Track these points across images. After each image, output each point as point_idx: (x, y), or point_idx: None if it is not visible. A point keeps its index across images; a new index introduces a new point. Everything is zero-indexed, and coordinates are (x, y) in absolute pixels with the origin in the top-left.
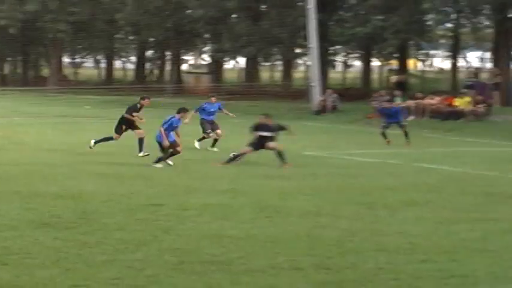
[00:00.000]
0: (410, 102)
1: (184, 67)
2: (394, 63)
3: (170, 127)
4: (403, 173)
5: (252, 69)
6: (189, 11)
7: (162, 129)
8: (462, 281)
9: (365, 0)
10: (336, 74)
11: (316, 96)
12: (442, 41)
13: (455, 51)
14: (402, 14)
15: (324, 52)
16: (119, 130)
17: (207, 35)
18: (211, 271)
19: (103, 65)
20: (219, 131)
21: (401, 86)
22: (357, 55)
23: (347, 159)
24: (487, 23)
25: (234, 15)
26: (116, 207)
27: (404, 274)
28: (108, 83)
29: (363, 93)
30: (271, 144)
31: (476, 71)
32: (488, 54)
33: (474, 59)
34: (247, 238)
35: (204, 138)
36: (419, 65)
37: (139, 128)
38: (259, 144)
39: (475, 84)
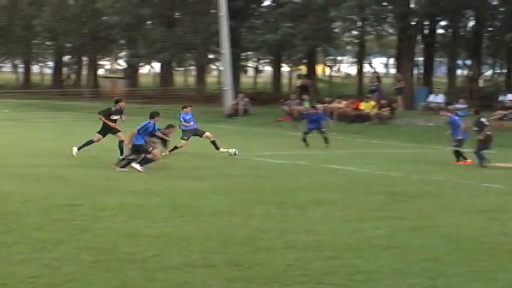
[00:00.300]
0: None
1: (100, 72)
2: (303, 69)
3: (145, 132)
4: (312, 174)
5: (166, 74)
6: (105, 18)
7: (135, 131)
8: (368, 276)
9: (275, 8)
10: (247, 78)
11: (229, 100)
12: (349, 47)
13: (361, 57)
14: (310, 22)
15: (236, 58)
16: (110, 131)
17: (122, 41)
18: (127, 269)
19: (21, 69)
20: (207, 133)
21: (305, 89)
22: (268, 61)
23: (258, 160)
24: (390, 30)
25: (148, 22)
26: (34, 207)
27: (313, 270)
28: (26, 87)
29: (273, 97)
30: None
31: (378, 76)
32: (392, 60)
33: (379, 64)
34: (162, 237)
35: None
36: (327, 70)
37: (119, 131)
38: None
39: (377, 89)
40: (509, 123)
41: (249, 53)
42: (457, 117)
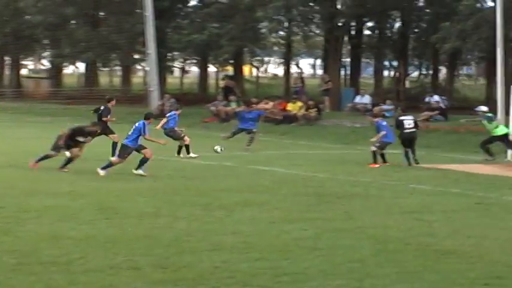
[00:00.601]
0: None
1: (23, 72)
2: (230, 69)
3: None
4: (239, 175)
5: (91, 74)
6: (28, 17)
7: (148, 137)
8: (294, 278)
9: (201, 8)
10: (173, 79)
11: (155, 100)
12: (276, 48)
13: (288, 58)
14: (237, 22)
15: (162, 58)
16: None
17: (46, 41)
18: (50, 272)
19: None
20: (187, 138)
21: (230, 90)
22: (194, 61)
23: (184, 161)
24: (317, 31)
25: (72, 22)
26: None
27: (240, 272)
28: None
29: (199, 98)
30: (74, 149)
31: (302, 77)
32: (319, 61)
33: (306, 65)
34: (86, 239)
35: (187, 146)
36: (254, 71)
37: (113, 132)
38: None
39: (299, 90)
40: (435, 124)
41: (175, 53)
42: (384, 123)
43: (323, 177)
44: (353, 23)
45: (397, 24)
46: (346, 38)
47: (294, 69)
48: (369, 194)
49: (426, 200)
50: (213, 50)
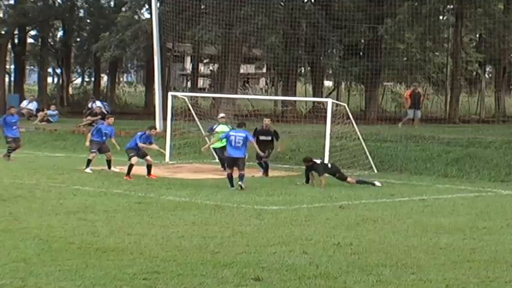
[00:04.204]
0: None
1: None
2: None
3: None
4: None
5: None
6: None
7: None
8: None
9: None
10: None
11: None
12: None
13: None
14: None
15: None
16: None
17: None
18: None
19: None
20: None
21: None
22: None
23: None
24: None
25: None
26: None
27: None
28: None
29: None
30: None
31: None
32: None
33: None
34: None
35: None
36: None
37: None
38: None
39: None
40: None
41: None
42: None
43: None
44: (16, 32)
45: (60, 34)
46: (10, 46)
47: None
48: (34, 196)
49: (89, 201)
50: None
